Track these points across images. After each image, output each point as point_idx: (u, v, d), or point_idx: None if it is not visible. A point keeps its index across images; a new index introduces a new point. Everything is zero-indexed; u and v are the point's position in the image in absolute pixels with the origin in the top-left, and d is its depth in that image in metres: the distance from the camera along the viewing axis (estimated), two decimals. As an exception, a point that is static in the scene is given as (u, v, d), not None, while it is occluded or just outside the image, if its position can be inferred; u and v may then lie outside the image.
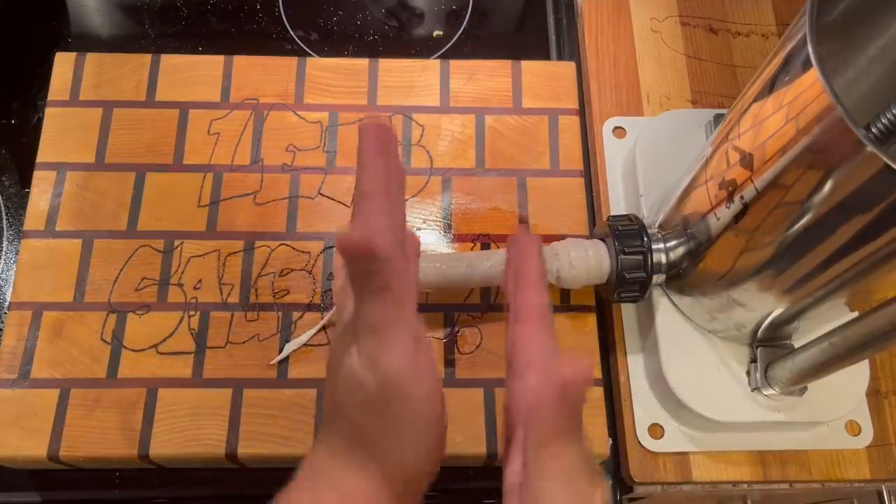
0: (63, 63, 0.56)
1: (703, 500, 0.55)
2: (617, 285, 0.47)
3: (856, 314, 0.48)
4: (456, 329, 0.50)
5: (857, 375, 0.48)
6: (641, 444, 0.49)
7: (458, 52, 0.65)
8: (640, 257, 0.46)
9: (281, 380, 0.48)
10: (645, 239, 0.46)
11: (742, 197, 0.39)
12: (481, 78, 0.58)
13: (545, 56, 0.65)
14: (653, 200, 0.52)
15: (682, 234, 0.46)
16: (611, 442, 0.51)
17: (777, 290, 0.42)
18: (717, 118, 0.51)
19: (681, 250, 0.46)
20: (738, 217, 0.40)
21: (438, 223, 0.53)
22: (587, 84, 0.61)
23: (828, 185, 0.34)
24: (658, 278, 0.47)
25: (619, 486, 0.51)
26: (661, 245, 0.47)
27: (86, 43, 0.64)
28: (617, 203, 0.56)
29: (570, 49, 0.65)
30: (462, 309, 0.51)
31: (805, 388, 0.46)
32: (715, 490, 0.50)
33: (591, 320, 0.51)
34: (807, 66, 0.32)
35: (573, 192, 0.55)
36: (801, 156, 0.34)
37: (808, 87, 0.32)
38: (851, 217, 0.34)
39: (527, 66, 0.58)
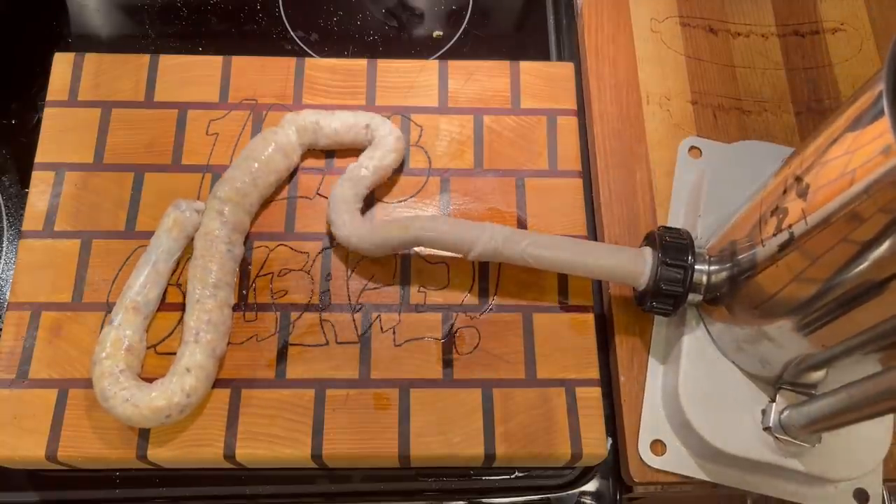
0: (62, 63, 0.56)
1: (703, 500, 0.55)
2: (652, 295, 0.46)
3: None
4: (454, 330, 0.50)
5: (876, 440, 0.46)
6: (641, 457, 0.49)
7: (458, 52, 0.65)
8: (682, 272, 0.45)
9: (279, 380, 0.48)
10: (690, 257, 0.46)
11: (790, 227, 0.38)
12: (480, 78, 0.58)
13: (545, 56, 0.65)
14: (709, 223, 0.51)
15: (729, 260, 0.45)
16: (610, 442, 0.51)
17: (809, 333, 0.41)
18: None
19: (723, 275, 0.45)
20: (782, 247, 0.39)
21: (437, 223, 0.53)
22: (587, 84, 0.61)
23: (879, 235, 0.32)
24: (694, 297, 0.47)
25: (619, 485, 0.51)
26: (706, 266, 0.46)
27: (86, 43, 0.64)
28: (676, 219, 0.55)
29: (570, 49, 0.65)
30: (460, 309, 0.51)
31: (819, 440, 0.44)
32: (715, 490, 0.50)
33: (590, 320, 0.51)
34: (879, 108, 0.31)
35: (571, 192, 0.55)
36: (858, 197, 0.32)
37: (878, 127, 0.31)
38: None
39: (525, 66, 0.58)
